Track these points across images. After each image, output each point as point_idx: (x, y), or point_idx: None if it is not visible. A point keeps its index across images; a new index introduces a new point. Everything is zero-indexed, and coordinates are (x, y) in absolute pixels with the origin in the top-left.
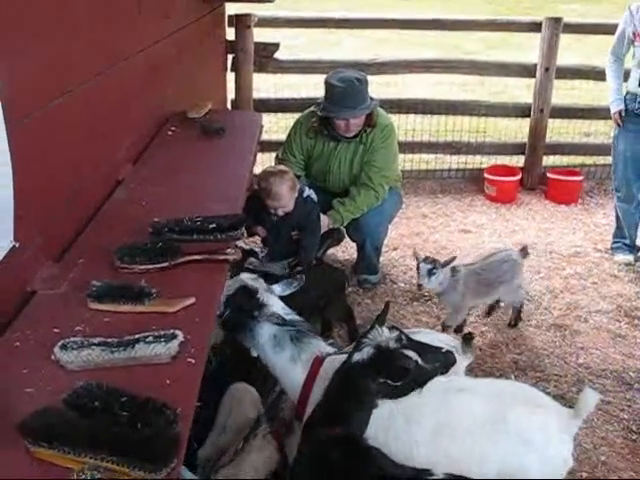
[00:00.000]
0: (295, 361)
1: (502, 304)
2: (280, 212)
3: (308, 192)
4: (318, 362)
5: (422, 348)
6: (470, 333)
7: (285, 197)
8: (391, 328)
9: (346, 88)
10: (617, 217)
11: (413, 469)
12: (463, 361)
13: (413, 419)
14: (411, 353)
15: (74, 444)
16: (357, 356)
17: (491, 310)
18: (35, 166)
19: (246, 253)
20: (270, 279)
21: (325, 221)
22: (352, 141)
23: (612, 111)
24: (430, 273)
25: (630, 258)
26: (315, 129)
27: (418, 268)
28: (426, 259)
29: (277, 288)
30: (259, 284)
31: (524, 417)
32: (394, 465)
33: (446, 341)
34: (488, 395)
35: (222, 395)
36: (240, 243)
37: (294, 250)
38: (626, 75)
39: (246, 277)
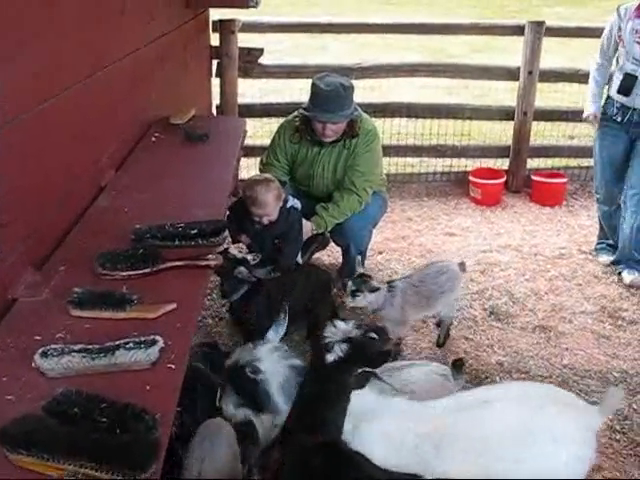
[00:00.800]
0: None
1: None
2: (265, 220)
3: (292, 202)
4: None
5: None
6: (461, 359)
7: (270, 205)
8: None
9: (329, 92)
10: (599, 219)
11: (400, 474)
12: (454, 387)
13: (443, 444)
14: (373, 334)
15: (53, 451)
16: (331, 356)
17: (444, 341)
18: (16, 172)
19: (236, 262)
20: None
21: (308, 226)
22: (336, 146)
23: (585, 113)
24: (353, 294)
25: (612, 259)
26: (299, 134)
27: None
28: (357, 278)
29: (271, 334)
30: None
31: (554, 417)
32: (379, 470)
33: (438, 370)
34: (515, 400)
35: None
36: (233, 251)
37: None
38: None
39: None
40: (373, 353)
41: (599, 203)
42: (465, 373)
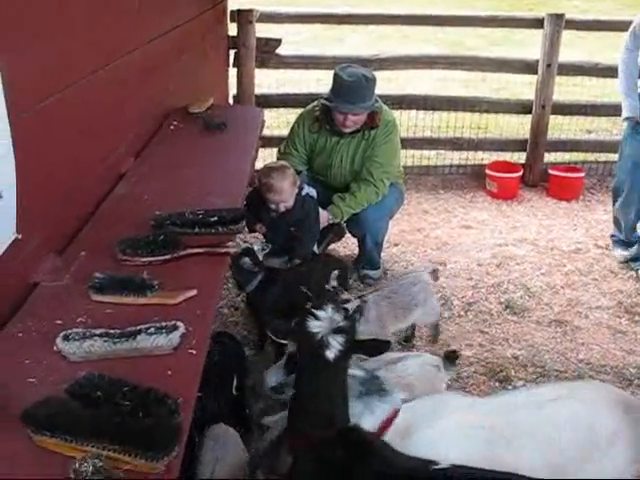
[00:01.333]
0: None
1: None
2: (281, 207)
3: (307, 190)
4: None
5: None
6: (454, 351)
7: (286, 192)
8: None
9: (352, 83)
10: (615, 218)
11: (418, 459)
12: (444, 377)
13: (514, 440)
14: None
15: (76, 433)
16: (331, 353)
17: (411, 338)
18: (37, 159)
19: (242, 252)
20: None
21: (325, 216)
22: (355, 136)
23: (627, 113)
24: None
25: (626, 253)
26: (319, 124)
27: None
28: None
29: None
30: None
31: (617, 419)
32: (397, 454)
33: (430, 361)
34: (581, 401)
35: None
36: (238, 240)
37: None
38: None
39: None
40: (371, 344)
41: (619, 206)
42: (457, 365)
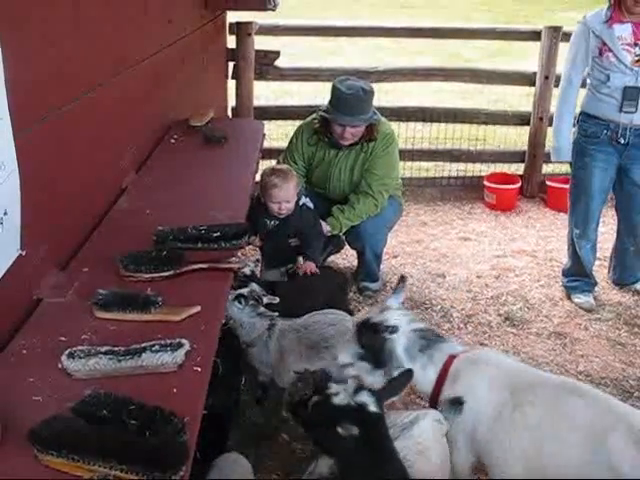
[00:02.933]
0: (425, 368)
1: None
2: (284, 209)
3: (304, 200)
4: (449, 362)
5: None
6: (459, 398)
7: (291, 191)
8: None
9: (350, 95)
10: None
11: None
12: (445, 429)
13: (521, 414)
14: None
15: (83, 452)
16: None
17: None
18: (39, 173)
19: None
20: (267, 287)
21: (323, 228)
22: (353, 149)
23: (560, 155)
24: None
25: (590, 299)
26: (317, 136)
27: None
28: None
29: (392, 300)
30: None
31: (621, 446)
32: None
33: (437, 416)
34: (598, 408)
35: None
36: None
37: (291, 257)
38: None
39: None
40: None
41: (578, 239)
42: (460, 413)
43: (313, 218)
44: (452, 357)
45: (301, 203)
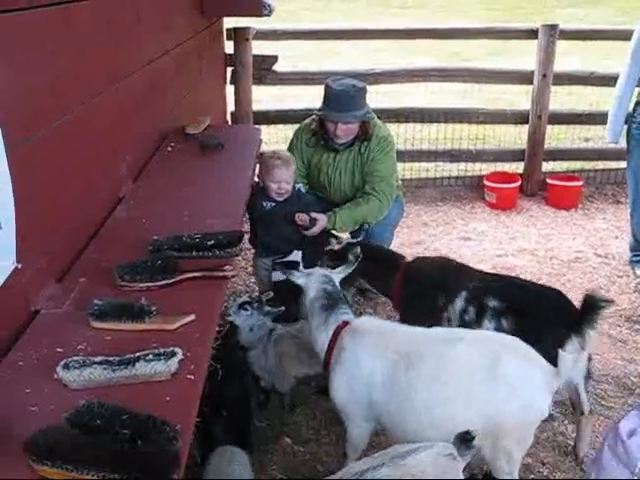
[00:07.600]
0: (319, 328)
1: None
2: (283, 189)
3: (299, 185)
4: (340, 328)
5: None
6: (468, 432)
7: (290, 172)
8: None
9: (340, 92)
10: (633, 232)
11: None
12: (461, 465)
13: (413, 366)
14: None
15: (77, 462)
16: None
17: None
18: (35, 186)
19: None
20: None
21: (320, 219)
22: (351, 152)
23: (614, 137)
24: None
25: None
26: (315, 138)
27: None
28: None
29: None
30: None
31: (513, 366)
32: None
33: (445, 450)
34: (484, 343)
35: None
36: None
37: (284, 245)
38: None
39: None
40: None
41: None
42: (473, 447)
43: (311, 198)
44: (345, 324)
45: (297, 188)
